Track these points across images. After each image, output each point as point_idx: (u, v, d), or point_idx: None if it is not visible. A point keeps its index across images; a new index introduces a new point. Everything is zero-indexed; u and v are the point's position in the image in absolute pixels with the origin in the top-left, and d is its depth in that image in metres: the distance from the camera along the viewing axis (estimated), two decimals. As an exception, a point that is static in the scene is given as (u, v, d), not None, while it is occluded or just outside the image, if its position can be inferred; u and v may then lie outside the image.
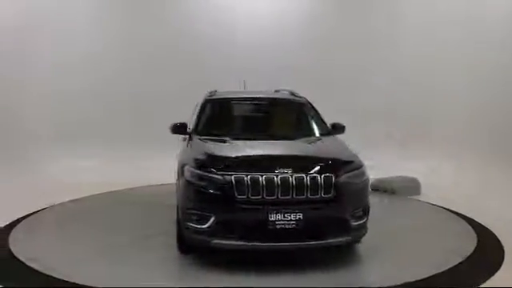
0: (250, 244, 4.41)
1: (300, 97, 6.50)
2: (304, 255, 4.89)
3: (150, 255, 5.03)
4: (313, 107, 6.25)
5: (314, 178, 4.45)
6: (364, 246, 5.18)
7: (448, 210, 7.05)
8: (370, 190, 5.60)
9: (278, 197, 4.38)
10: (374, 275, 4.59)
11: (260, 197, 4.37)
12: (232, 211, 4.39)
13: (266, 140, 5.43)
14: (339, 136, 5.86)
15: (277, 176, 4.40)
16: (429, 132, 10.04)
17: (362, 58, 10.34)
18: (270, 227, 4.34)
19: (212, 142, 5.27)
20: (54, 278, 4.41)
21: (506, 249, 5.30)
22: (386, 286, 4.26)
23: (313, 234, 4.47)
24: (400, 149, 9.57)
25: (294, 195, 4.40)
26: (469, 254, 5.12)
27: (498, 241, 5.60)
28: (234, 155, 4.84)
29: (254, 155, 4.94)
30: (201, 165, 4.65)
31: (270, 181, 4.38)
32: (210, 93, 6.54)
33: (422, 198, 8.04)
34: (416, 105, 10.17)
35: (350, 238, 4.64)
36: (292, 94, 6.64)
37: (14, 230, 5.88)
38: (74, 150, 9.62)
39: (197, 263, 4.77)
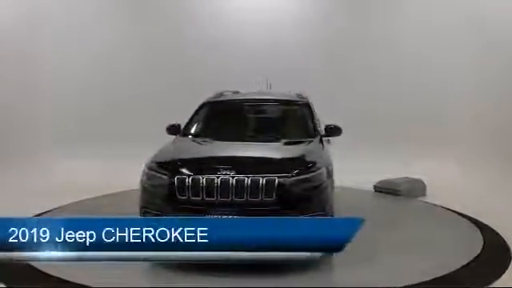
0: None
1: (301, 98, 6.44)
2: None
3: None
4: (310, 109, 6.15)
5: (255, 181, 4.40)
6: (370, 248, 5.17)
7: (454, 211, 7.03)
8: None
9: (217, 198, 4.40)
10: (378, 276, 4.58)
11: (200, 198, 4.42)
12: (174, 211, 4.46)
13: (244, 142, 5.43)
14: (335, 138, 5.82)
15: (217, 178, 4.41)
16: (433, 132, 10.03)
17: (366, 59, 10.34)
18: None
19: (184, 143, 5.48)
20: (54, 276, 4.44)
21: (512, 250, 5.30)
22: (391, 286, 4.26)
23: None
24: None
25: (234, 197, 4.39)
26: (475, 255, 5.09)
27: (505, 242, 5.58)
28: (187, 157, 4.95)
29: (204, 157, 5.02)
30: (154, 165, 4.80)
31: (209, 182, 4.41)
32: (216, 94, 6.63)
33: (427, 199, 8.04)
34: (421, 106, 10.16)
35: None
36: (297, 95, 6.63)
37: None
38: (77, 151, 9.66)
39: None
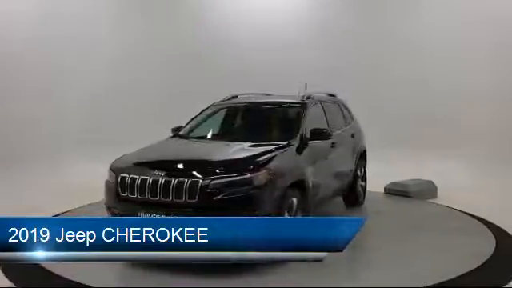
0: None
1: (300, 101, 6.21)
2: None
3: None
4: (304, 111, 5.91)
5: (180, 182, 4.50)
6: (383, 250, 5.18)
7: (466, 213, 6.92)
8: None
9: (148, 198, 4.61)
10: (392, 279, 4.50)
11: (135, 196, 4.68)
12: (118, 208, 4.86)
13: (220, 141, 5.69)
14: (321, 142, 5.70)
15: (150, 178, 4.63)
16: (450, 133, 9.90)
17: (377, 59, 10.27)
18: None
19: (158, 144, 5.72)
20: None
21: (525, 252, 5.19)
22: (414, 286, 4.24)
23: None
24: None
25: (161, 197, 4.55)
26: (487, 257, 5.00)
27: (517, 243, 5.48)
28: (142, 157, 5.17)
29: (153, 158, 5.21)
30: (112, 164, 5.15)
31: (143, 182, 4.65)
32: (225, 97, 6.72)
33: (438, 201, 7.92)
34: (438, 106, 10.05)
35: None
36: (308, 97, 6.49)
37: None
38: (97, 154, 9.69)
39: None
